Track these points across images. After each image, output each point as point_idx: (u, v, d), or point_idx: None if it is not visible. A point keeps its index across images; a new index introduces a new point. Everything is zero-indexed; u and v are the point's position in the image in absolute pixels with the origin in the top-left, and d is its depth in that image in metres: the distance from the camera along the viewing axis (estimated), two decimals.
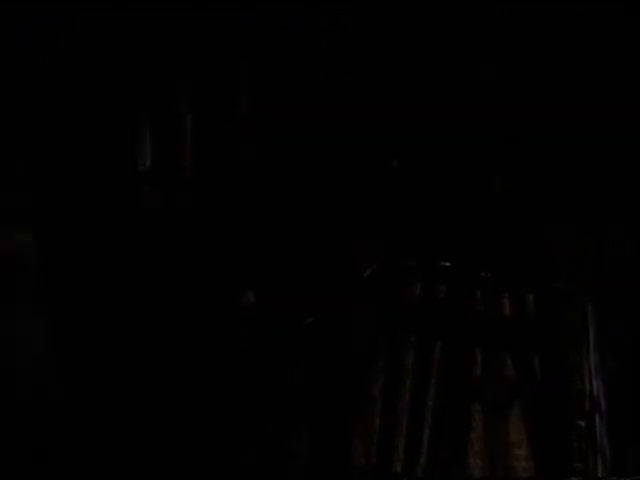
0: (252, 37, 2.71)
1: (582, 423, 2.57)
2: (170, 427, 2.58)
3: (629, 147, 2.66)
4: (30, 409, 2.54)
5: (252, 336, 2.69)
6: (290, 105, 2.74)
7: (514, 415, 2.60)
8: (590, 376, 2.60)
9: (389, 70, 2.72)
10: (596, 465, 2.55)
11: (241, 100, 2.76)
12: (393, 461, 2.57)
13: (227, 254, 2.72)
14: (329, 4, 2.67)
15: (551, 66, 2.66)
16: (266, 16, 2.68)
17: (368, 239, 2.74)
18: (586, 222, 2.70)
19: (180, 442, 2.56)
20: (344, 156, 2.75)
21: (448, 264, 2.67)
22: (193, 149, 2.75)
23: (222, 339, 2.68)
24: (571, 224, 2.71)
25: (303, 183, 2.75)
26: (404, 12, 2.68)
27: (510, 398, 2.61)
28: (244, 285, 2.72)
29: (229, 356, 2.67)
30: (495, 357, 2.64)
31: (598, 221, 2.70)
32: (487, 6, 2.64)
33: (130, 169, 2.70)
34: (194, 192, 2.74)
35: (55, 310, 2.63)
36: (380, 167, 2.76)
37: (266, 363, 2.66)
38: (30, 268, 2.70)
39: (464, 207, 2.73)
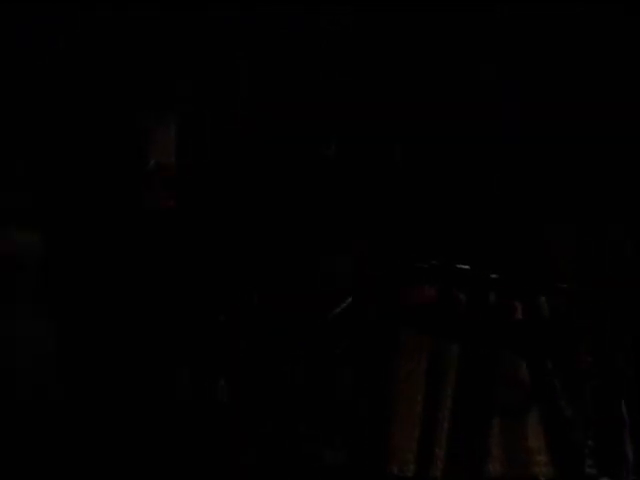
0: (252, 37, 2.71)
1: (602, 428, 2.53)
2: (170, 427, 2.58)
3: (629, 147, 2.66)
4: (30, 409, 2.54)
5: (252, 336, 2.69)
6: (290, 105, 2.74)
7: (532, 421, 2.58)
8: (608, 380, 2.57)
9: (389, 70, 2.72)
10: (619, 470, 2.52)
11: (241, 100, 2.76)
12: (433, 468, 2.53)
13: (227, 254, 2.72)
14: (329, 4, 2.67)
15: (551, 66, 2.66)
16: (266, 16, 2.68)
17: (368, 239, 2.74)
18: (586, 222, 2.70)
19: (180, 442, 2.56)
20: (344, 156, 2.75)
21: (464, 266, 2.66)
22: (193, 150, 2.75)
23: (223, 339, 2.68)
24: (571, 224, 2.71)
25: (303, 183, 2.75)
26: (404, 12, 2.68)
27: (527, 403, 2.59)
28: (245, 285, 2.72)
29: (229, 356, 2.67)
30: (510, 361, 2.62)
31: (598, 221, 2.70)
32: (487, 6, 2.64)
33: (131, 169, 2.70)
34: (195, 192, 2.74)
35: (58, 310, 2.63)
36: (380, 167, 2.76)
37: (266, 363, 2.66)
38: (30, 268, 2.70)
39: (463, 207, 2.73)
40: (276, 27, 2.70)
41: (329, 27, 2.70)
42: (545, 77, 2.67)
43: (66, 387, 2.59)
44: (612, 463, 2.49)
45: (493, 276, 2.64)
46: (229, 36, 2.71)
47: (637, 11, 2.59)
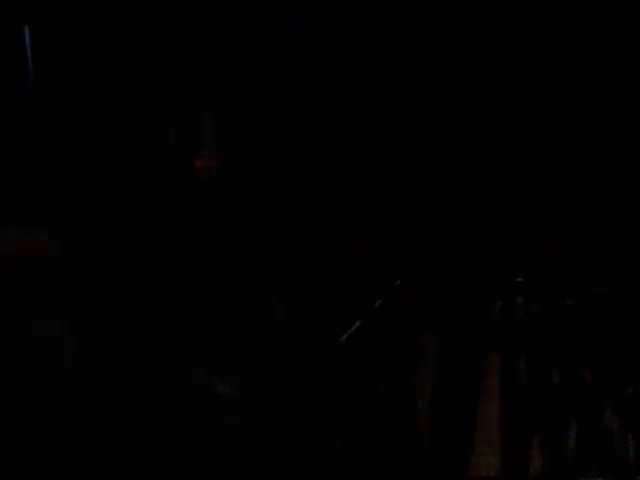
0: (252, 37, 2.71)
1: None
2: (172, 427, 2.58)
3: (629, 147, 2.66)
4: (30, 409, 2.55)
5: (254, 336, 2.69)
6: (290, 105, 2.74)
7: (570, 427, 2.54)
8: None
9: (389, 70, 2.72)
10: None
11: (241, 100, 2.76)
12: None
13: (229, 255, 2.72)
14: (329, 4, 2.67)
15: (551, 66, 2.66)
16: (266, 16, 2.69)
17: (368, 240, 2.74)
18: (586, 222, 2.70)
19: (181, 442, 2.56)
20: (344, 156, 2.75)
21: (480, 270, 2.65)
22: (192, 150, 2.75)
23: (223, 340, 2.68)
24: (571, 224, 2.71)
25: (304, 184, 2.75)
26: (404, 12, 2.68)
27: (563, 410, 2.56)
28: (247, 286, 2.72)
29: (231, 356, 2.67)
30: (543, 367, 2.59)
31: (598, 221, 2.70)
32: (487, 6, 2.64)
33: (140, 170, 2.71)
34: (196, 193, 2.74)
35: (78, 309, 2.63)
36: (380, 167, 2.76)
37: (266, 363, 2.66)
38: (30, 268, 2.70)
39: (463, 207, 2.73)
40: (276, 27, 2.70)
41: (329, 27, 2.70)
42: (545, 77, 2.67)
43: (83, 386, 2.59)
44: None
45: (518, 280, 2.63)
46: (229, 36, 2.71)
47: (637, 11, 2.59)
